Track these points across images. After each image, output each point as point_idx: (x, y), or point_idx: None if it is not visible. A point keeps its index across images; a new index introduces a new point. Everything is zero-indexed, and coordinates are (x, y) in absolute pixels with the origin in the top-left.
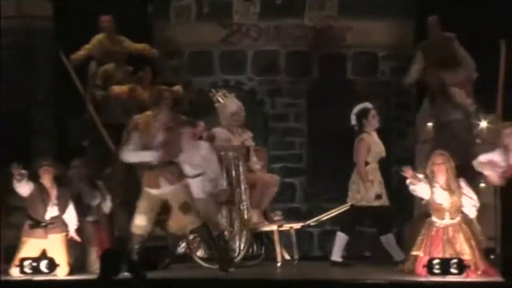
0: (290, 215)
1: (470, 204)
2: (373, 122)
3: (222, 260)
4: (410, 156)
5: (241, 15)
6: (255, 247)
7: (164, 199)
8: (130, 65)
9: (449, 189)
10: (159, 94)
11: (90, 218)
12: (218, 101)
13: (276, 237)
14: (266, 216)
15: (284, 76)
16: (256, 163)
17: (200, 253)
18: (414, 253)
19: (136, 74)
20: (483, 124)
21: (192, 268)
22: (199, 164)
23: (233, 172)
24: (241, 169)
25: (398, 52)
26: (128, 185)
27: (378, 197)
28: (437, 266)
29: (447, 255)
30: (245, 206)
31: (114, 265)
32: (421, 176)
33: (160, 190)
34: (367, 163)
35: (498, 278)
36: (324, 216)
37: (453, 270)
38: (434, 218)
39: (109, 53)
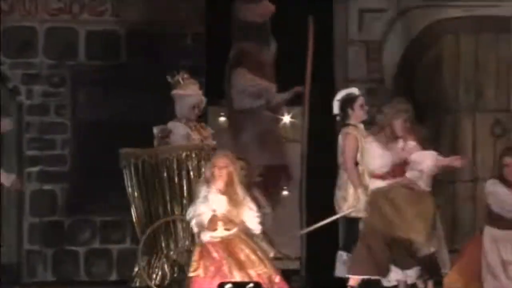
0: (49, 230)
1: (252, 216)
2: (360, 112)
3: None
4: None
5: None
6: None
7: None
8: None
9: (227, 194)
10: None
11: None
12: (178, 86)
13: None
14: None
15: (43, 58)
16: None
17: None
18: (192, 274)
19: None
20: (286, 119)
21: None
22: None
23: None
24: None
25: (184, 31)
26: None
27: None
28: None
29: (234, 271)
30: None
31: None
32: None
33: None
34: (356, 164)
35: None
36: (306, 230)
37: None
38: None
39: None
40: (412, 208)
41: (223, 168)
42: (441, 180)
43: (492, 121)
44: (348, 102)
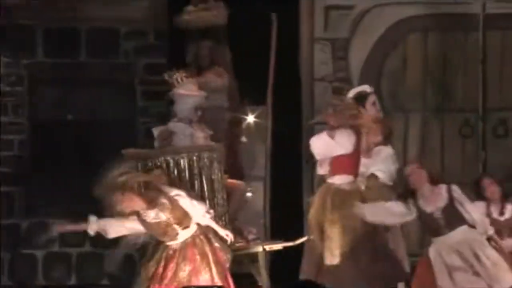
0: (6, 233)
1: (199, 213)
2: (373, 110)
3: None
4: None
5: None
6: None
7: None
8: None
9: (153, 208)
10: None
11: None
12: (175, 85)
13: (262, 262)
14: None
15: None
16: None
17: None
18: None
19: None
20: (250, 119)
21: None
22: None
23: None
24: (218, 172)
25: (146, 29)
26: None
27: None
28: None
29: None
30: (226, 221)
31: None
32: None
33: None
34: None
35: None
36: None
37: None
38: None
39: None
40: (332, 226)
41: (120, 200)
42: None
43: (460, 121)
44: (359, 100)
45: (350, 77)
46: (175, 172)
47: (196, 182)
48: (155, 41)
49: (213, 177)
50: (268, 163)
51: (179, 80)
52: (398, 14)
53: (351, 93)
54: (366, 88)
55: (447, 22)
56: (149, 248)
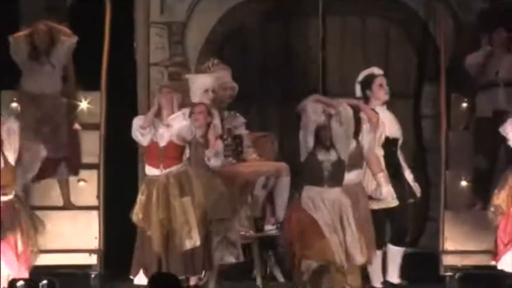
0: None
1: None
2: (379, 93)
3: None
4: None
5: None
6: None
7: None
8: None
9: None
10: None
11: None
12: (206, 72)
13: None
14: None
15: None
16: (252, 152)
17: None
18: None
19: None
20: (84, 104)
21: None
22: None
23: None
24: None
25: None
26: None
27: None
28: None
29: None
30: None
31: None
32: None
33: None
34: None
35: None
36: None
37: None
38: None
39: None
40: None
41: None
42: None
43: None
44: (366, 83)
45: (187, 62)
46: None
47: None
48: None
49: None
50: (102, 151)
51: (210, 67)
52: None
53: (360, 76)
54: (374, 70)
55: (287, 7)
56: None
